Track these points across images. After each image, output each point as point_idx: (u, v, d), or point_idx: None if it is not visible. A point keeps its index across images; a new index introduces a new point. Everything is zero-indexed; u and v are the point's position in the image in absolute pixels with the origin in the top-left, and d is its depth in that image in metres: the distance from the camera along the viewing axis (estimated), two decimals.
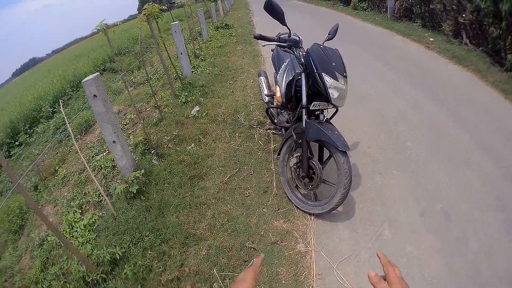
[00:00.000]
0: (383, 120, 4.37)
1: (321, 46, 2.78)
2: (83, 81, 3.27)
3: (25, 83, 22.25)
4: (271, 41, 2.92)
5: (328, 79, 2.62)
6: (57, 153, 6.11)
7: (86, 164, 3.55)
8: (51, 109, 9.46)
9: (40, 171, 5.41)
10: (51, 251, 3.29)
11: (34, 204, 2.42)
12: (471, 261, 2.40)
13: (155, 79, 7.64)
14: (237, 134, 4.42)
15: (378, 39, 8.45)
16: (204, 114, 4.96)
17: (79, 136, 6.23)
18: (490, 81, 5.17)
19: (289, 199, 3.12)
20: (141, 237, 2.98)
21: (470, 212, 2.82)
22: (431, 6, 8.09)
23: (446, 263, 2.41)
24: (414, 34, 8.17)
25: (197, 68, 7.36)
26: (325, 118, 3.00)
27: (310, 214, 2.97)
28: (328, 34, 3.18)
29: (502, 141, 3.70)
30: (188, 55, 7.33)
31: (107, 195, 3.74)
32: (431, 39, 7.57)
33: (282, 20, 2.61)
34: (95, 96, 3.26)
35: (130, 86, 7.94)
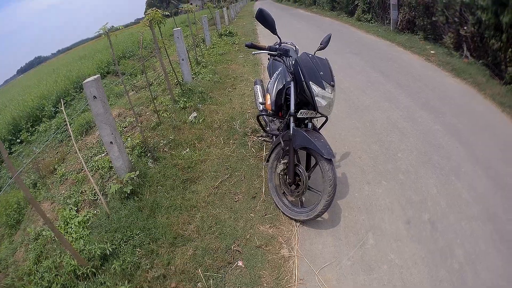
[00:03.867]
0: (376, 131, 4.44)
1: (310, 56, 2.86)
2: (84, 82, 3.34)
3: (29, 81, 22.21)
4: (262, 50, 2.98)
5: (315, 88, 2.70)
6: (57, 152, 6.20)
7: (83, 163, 3.63)
8: (54, 109, 9.49)
9: (40, 169, 5.49)
10: (45, 245, 3.36)
11: (31, 196, 2.49)
12: (456, 270, 2.44)
13: (156, 83, 7.75)
14: (231, 141, 4.52)
15: (379, 51, 8.54)
16: (201, 120, 5.05)
17: (79, 136, 6.31)
18: (488, 94, 5.19)
19: (276, 205, 3.19)
20: (132, 235, 3.04)
21: (457, 223, 2.86)
22: (433, 19, 8.17)
23: (429, 272, 2.45)
24: (415, 46, 8.25)
25: (198, 74, 7.46)
26: (313, 127, 3.06)
27: (295, 220, 3.04)
28: (320, 44, 3.24)
29: (496, 154, 3.74)
30: (190, 62, 7.45)
31: (102, 195, 3.83)
32: (432, 51, 7.63)
33: (273, 30, 2.74)
34: (94, 97, 3.34)
35: (132, 90, 8.05)
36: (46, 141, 6.93)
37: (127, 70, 11.39)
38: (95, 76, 3.41)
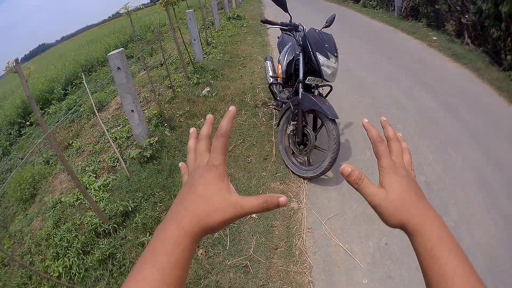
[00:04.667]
0: (378, 105, 4.74)
1: (317, 31, 3.26)
2: (108, 54, 3.63)
3: (35, 67, 21.81)
4: (275, 25, 3.38)
5: (321, 58, 3.08)
6: (69, 131, 6.37)
7: (105, 130, 3.93)
8: (63, 91, 9.57)
9: (54, 145, 5.57)
10: (64, 211, 3.51)
11: (61, 153, 2.78)
12: (451, 227, 2.66)
13: (168, 63, 8.00)
14: (243, 112, 4.82)
15: (383, 36, 8.75)
16: (214, 94, 5.37)
17: (92, 115, 6.56)
18: (486, 79, 5.38)
19: (286, 165, 3.54)
20: (152, 193, 3.33)
21: (452, 187, 3.14)
22: (436, 7, 8.31)
23: None
24: (418, 32, 8.42)
25: (209, 54, 7.74)
26: (320, 94, 3.43)
27: (303, 178, 3.36)
28: (326, 22, 3.65)
29: (490, 130, 3.99)
30: (201, 42, 7.71)
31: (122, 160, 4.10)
32: (434, 38, 7.79)
33: (285, 8, 3.13)
34: (118, 68, 3.61)
35: (144, 70, 8.31)
36: (56, 122, 7.03)
37: (135, 54, 11.58)
38: (119, 50, 3.69)
